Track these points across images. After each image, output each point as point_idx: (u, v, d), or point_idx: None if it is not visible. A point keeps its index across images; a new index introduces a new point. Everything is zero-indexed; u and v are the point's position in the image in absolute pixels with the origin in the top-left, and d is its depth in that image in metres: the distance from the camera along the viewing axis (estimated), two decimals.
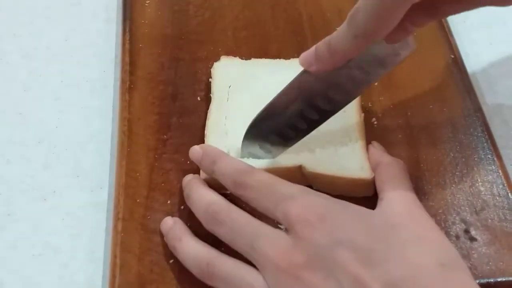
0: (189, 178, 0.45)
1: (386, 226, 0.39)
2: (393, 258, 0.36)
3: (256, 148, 0.46)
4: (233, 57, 0.53)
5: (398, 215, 0.40)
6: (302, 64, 0.43)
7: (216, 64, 0.53)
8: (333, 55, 0.41)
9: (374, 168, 0.45)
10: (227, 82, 0.51)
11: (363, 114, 0.49)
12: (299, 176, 0.46)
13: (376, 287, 0.35)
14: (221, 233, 0.41)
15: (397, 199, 0.41)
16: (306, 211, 0.38)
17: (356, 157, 0.46)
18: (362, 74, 0.43)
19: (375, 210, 0.41)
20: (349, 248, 0.37)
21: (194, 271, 0.41)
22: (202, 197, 0.43)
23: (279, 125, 0.45)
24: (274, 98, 0.45)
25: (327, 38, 0.41)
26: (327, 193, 0.44)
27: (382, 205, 0.41)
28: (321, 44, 0.41)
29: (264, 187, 0.41)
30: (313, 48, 0.42)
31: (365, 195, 0.45)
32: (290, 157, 0.46)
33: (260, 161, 0.46)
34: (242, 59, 0.53)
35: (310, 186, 0.46)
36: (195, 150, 0.45)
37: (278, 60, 0.53)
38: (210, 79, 0.52)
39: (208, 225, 0.41)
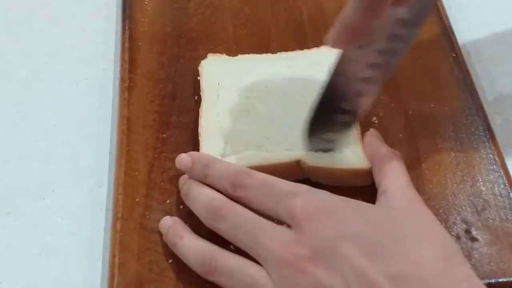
0: (185, 178, 0.44)
1: (389, 221, 0.39)
2: (396, 252, 0.37)
3: (321, 142, 0.45)
4: (219, 54, 0.53)
5: (400, 210, 0.40)
6: (329, 46, 0.41)
7: (203, 62, 0.52)
8: (351, 31, 0.40)
9: (370, 158, 0.45)
10: (216, 80, 0.51)
11: None
12: (297, 169, 0.46)
13: (380, 280, 0.35)
14: (222, 228, 0.40)
15: (398, 193, 0.41)
16: (310, 207, 0.39)
17: (352, 147, 0.46)
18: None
19: (376, 205, 0.41)
20: (353, 241, 0.37)
21: (196, 267, 0.40)
22: (202, 193, 0.42)
23: (342, 99, 0.44)
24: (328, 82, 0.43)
25: (340, 17, 0.40)
26: (326, 185, 0.45)
27: (383, 199, 0.41)
28: (337, 26, 0.40)
29: (264, 186, 0.41)
30: (332, 29, 0.40)
31: (363, 185, 0.45)
32: (287, 151, 0.46)
33: (257, 158, 0.45)
34: (229, 55, 0.53)
35: (308, 179, 0.46)
36: (183, 158, 0.44)
37: (264, 55, 0.53)
38: (198, 78, 0.51)
39: (209, 221, 0.41)
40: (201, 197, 0.42)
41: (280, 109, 0.49)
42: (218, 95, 0.50)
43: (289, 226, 0.39)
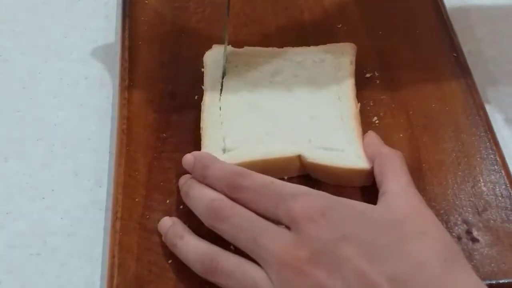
0: (186, 177, 0.44)
1: (389, 222, 0.39)
2: (397, 254, 0.37)
3: None
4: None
5: (400, 210, 0.40)
6: None
7: (208, 53, 0.52)
8: None
9: (371, 158, 0.45)
10: (220, 71, 0.51)
11: (359, 104, 0.49)
12: (297, 165, 0.46)
13: (380, 282, 0.35)
14: (223, 229, 0.40)
15: (399, 194, 0.41)
16: (309, 208, 0.38)
17: (353, 147, 0.46)
18: None
19: (377, 205, 0.41)
20: (353, 243, 0.37)
21: (197, 267, 0.40)
22: (203, 194, 0.42)
23: None
24: None
25: None
26: (326, 183, 0.45)
27: (384, 200, 0.41)
28: None
29: (262, 187, 0.41)
30: None
31: (363, 185, 0.45)
32: (288, 146, 0.46)
33: (258, 153, 0.45)
34: (234, 47, 0.53)
35: (308, 175, 0.46)
36: (187, 158, 0.44)
37: (270, 48, 0.53)
38: (202, 69, 0.51)
39: (209, 222, 0.41)
40: (202, 197, 0.42)
41: (283, 105, 0.49)
42: (221, 88, 0.49)
43: (288, 228, 0.39)
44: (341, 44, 0.53)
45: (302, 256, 0.37)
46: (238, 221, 0.40)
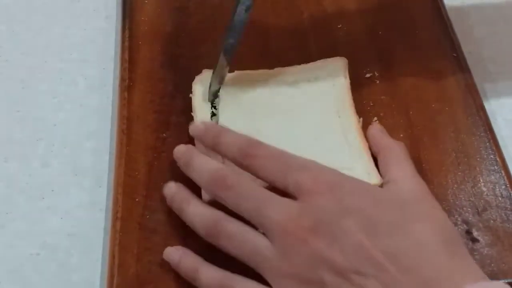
0: (184, 148, 0.44)
1: (394, 202, 0.40)
2: (398, 232, 0.37)
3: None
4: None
5: (405, 194, 0.41)
6: None
7: (197, 78, 0.51)
8: None
9: (374, 150, 0.46)
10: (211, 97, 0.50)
11: (361, 119, 0.48)
12: None
13: (378, 255, 0.36)
14: (227, 197, 0.41)
15: (404, 181, 0.42)
16: (317, 180, 0.39)
17: (361, 163, 0.45)
18: None
19: (383, 188, 0.42)
20: (356, 217, 0.38)
21: (200, 231, 0.41)
22: (206, 163, 0.43)
23: None
24: None
25: None
26: None
27: (389, 186, 0.42)
28: None
29: (273, 157, 0.41)
30: None
31: None
32: None
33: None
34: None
35: None
36: (197, 126, 0.45)
37: (262, 70, 0.52)
38: (190, 95, 0.50)
39: (214, 190, 0.41)
40: (206, 166, 0.42)
41: (284, 130, 0.48)
42: (212, 114, 0.49)
43: (294, 199, 0.39)
44: (332, 59, 0.52)
45: (305, 225, 0.38)
46: (243, 190, 0.40)
